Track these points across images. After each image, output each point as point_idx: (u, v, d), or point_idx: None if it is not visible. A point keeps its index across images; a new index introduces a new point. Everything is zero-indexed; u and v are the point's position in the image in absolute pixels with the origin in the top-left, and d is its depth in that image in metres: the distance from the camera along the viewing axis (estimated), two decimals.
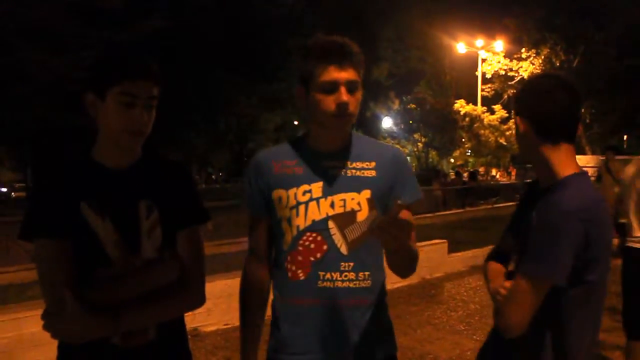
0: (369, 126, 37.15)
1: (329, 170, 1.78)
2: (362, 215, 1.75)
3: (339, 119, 1.71)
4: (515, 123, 1.76)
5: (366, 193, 1.77)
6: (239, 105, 30.80)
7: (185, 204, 1.72)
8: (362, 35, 29.91)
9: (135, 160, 1.69)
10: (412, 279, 7.28)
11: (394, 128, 32.32)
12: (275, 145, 1.95)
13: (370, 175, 1.79)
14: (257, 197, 1.83)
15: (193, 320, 4.96)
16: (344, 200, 1.75)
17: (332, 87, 1.69)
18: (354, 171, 1.79)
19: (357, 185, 1.77)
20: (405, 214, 1.56)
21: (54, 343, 1.64)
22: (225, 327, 5.33)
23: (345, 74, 1.69)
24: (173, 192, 1.70)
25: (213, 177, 47.16)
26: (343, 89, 1.68)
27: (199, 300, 1.72)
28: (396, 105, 35.86)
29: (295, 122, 36.65)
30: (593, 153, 28.81)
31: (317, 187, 1.76)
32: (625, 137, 37.71)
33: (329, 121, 1.73)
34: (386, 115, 37.28)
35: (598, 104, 27.92)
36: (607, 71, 27.00)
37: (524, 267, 1.61)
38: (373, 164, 1.81)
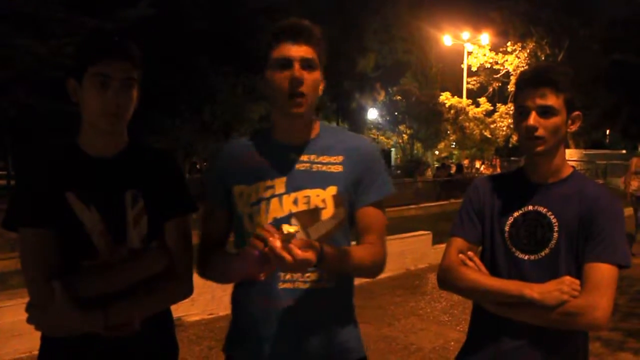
0: (354, 117, 37.08)
1: (293, 164, 1.69)
2: (327, 213, 1.66)
3: (292, 99, 1.61)
4: (571, 117, 1.75)
5: (332, 189, 1.68)
6: (223, 95, 30.61)
7: (172, 194, 1.70)
8: (349, 26, 29.83)
9: (121, 148, 1.67)
10: (396, 270, 7.31)
11: (380, 119, 32.28)
12: (239, 137, 1.85)
13: (336, 171, 1.70)
14: (219, 189, 1.75)
15: (176, 310, 4.86)
16: (308, 197, 1.66)
17: (285, 63, 1.61)
18: (319, 166, 1.69)
19: (322, 181, 1.68)
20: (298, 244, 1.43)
21: (35, 333, 1.62)
22: (209, 317, 5.33)
23: (299, 51, 1.61)
24: (160, 181, 1.68)
25: (197, 166, 46.85)
26: (297, 65, 1.60)
27: (187, 291, 1.71)
28: (382, 97, 35.83)
29: None
30: (576, 147, 29.09)
31: (280, 183, 1.67)
32: (607, 131, 38.08)
33: (283, 102, 1.63)
34: (372, 107, 37.28)
35: (582, 98, 28.11)
36: (592, 66, 27.19)
37: (610, 256, 1.65)
38: (340, 158, 1.71)
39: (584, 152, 29.29)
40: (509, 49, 28.29)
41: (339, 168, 1.70)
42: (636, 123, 32.02)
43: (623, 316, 5.41)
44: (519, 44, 28.30)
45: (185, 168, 40.59)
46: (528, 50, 28.13)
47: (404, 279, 7.11)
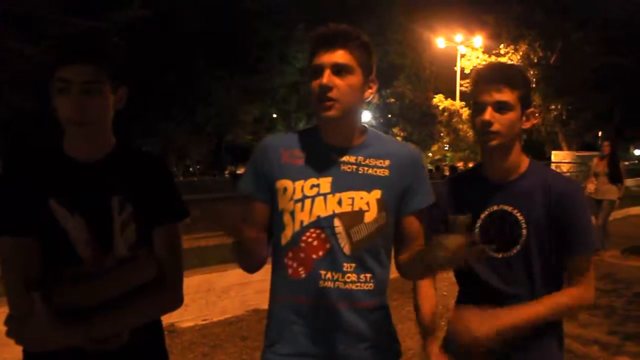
0: None
1: (340, 165, 1.69)
2: (370, 216, 1.66)
3: (320, 103, 1.63)
4: (526, 114, 1.78)
5: (376, 193, 1.67)
6: (217, 97, 30.58)
7: (162, 200, 1.63)
8: None
9: (107, 152, 1.59)
10: (391, 274, 7.24)
11: (373, 122, 32.41)
12: (286, 133, 1.86)
13: (382, 175, 1.69)
14: (262, 181, 1.73)
15: (170, 316, 4.80)
16: (353, 198, 1.66)
17: (317, 70, 1.63)
18: (366, 169, 1.69)
19: (368, 184, 1.67)
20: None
21: None
22: (203, 322, 5.24)
23: (332, 57, 1.62)
24: (148, 186, 1.60)
25: (191, 169, 46.84)
26: (327, 72, 1.61)
27: (176, 301, 1.65)
28: (375, 99, 36.06)
29: (274, 115, 36.49)
30: (569, 149, 29.19)
31: (325, 182, 1.67)
32: (600, 133, 38.27)
33: (315, 107, 1.66)
34: (365, 109, 37.46)
35: (575, 100, 28.22)
36: (584, 68, 27.28)
37: (587, 248, 1.76)
38: (387, 162, 1.71)
39: (576, 154, 29.40)
40: (502, 52, 28.32)
41: (385, 172, 1.71)
42: (629, 125, 32.18)
43: (620, 320, 5.38)
44: (511, 46, 28.35)
45: (178, 171, 40.49)
46: (521, 53, 28.18)
47: (399, 283, 6.98)
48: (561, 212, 1.75)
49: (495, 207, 1.81)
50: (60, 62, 1.46)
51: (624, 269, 7.61)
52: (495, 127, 1.72)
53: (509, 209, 1.78)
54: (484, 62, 28.10)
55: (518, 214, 1.77)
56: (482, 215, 1.82)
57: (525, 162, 1.84)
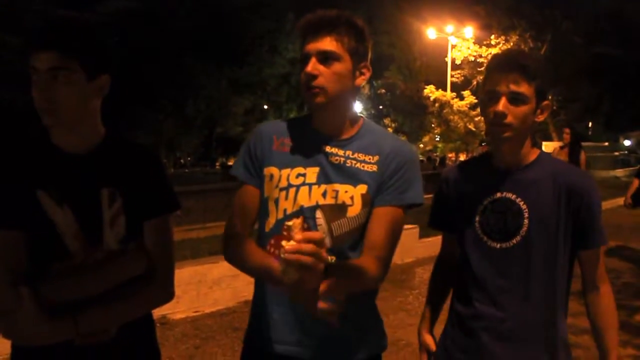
0: None
1: (328, 156, 1.65)
2: (353, 211, 1.62)
3: (307, 91, 1.61)
4: (541, 107, 1.71)
5: (362, 188, 1.63)
6: (207, 89, 30.44)
7: (153, 191, 1.59)
8: None
9: (96, 143, 1.56)
10: None
11: (364, 113, 32.40)
12: (281, 119, 1.82)
13: (370, 170, 1.64)
14: (254, 167, 1.70)
15: (161, 308, 4.80)
16: (337, 191, 1.62)
17: (305, 59, 1.61)
18: (353, 162, 1.65)
19: (354, 178, 1.63)
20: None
21: None
22: (194, 314, 5.23)
23: (317, 45, 1.59)
24: (139, 178, 1.57)
25: (181, 161, 46.69)
26: (312, 60, 1.59)
27: (167, 296, 1.63)
28: (366, 90, 36.00)
29: (265, 106, 36.39)
30: (559, 139, 29.34)
31: (312, 172, 1.64)
32: (590, 124, 38.45)
33: (303, 95, 1.63)
34: (356, 100, 37.39)
35: (565, 91, 28.34)
36: (574, 59, 27.37)
37: (602, 240, 1.74)
38: (376, 158, 1.66)
39: None
40: (493, 42, 28.36)
41: (373, 168, 1.66)
42: (618, 115, 32.36)
43: None
44: (502, 37, 28.38)
45: (169, 162, 40.33)
46: (511, 43, 28.22)
47: (390, 274, 6.96)
48: (575, 204, 1.68)
49: (498, 195, 1.74)
50: (30, 49, 1.42)
51: (614, 259, 7.67)
52: (509, 119, 1.64)
53: (512, 197, 1.72)
54: (475, 53, 28.17)
55: (521, 203, 1.71)
56: (485, 202, 1.76)
57: (535, 153, 1.78)
